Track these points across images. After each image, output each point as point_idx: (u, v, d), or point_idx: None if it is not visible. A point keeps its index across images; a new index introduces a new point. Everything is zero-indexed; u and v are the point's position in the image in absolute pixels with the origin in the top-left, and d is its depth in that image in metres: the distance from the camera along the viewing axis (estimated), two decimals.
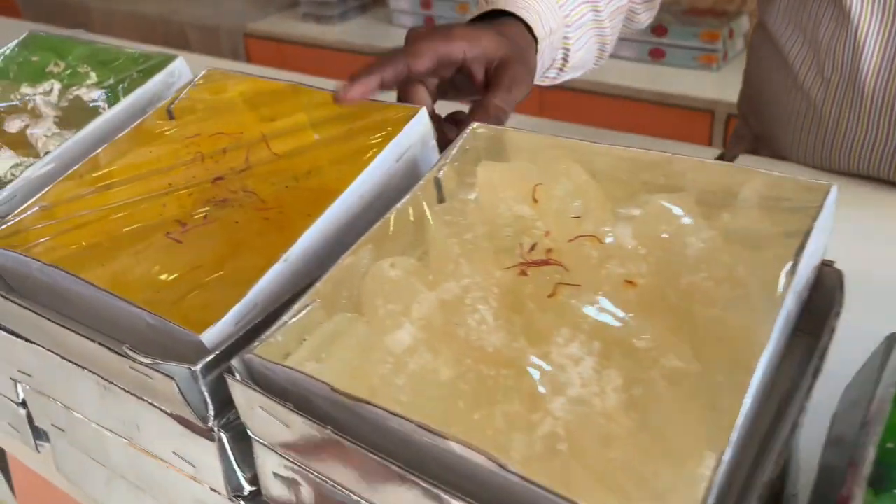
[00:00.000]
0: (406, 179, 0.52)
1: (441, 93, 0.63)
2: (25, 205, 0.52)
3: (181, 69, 0.65)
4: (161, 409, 0.43)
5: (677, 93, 2.06)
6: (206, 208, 0.50)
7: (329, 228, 0.47)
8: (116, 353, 0.40)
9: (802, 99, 0.85)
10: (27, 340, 0.48)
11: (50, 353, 0.47)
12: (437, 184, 0.48)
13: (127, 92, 0.64)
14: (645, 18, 0.88)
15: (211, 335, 0.40)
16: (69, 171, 0.54)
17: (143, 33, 3.01)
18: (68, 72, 0.69)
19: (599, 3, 0.76)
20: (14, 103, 0.67)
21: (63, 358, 0.46)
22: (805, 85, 0.84)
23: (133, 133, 0.57)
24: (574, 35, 0.75)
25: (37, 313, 0.43)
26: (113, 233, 0.50)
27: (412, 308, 0.41)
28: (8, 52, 0.73)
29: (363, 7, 2.82)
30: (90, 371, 0.45)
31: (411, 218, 0.46)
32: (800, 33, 0.84)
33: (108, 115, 0.60)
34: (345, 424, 0.35)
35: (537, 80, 0.72)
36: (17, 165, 0.58)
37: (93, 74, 0.68)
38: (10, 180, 0.57)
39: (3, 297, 0.45)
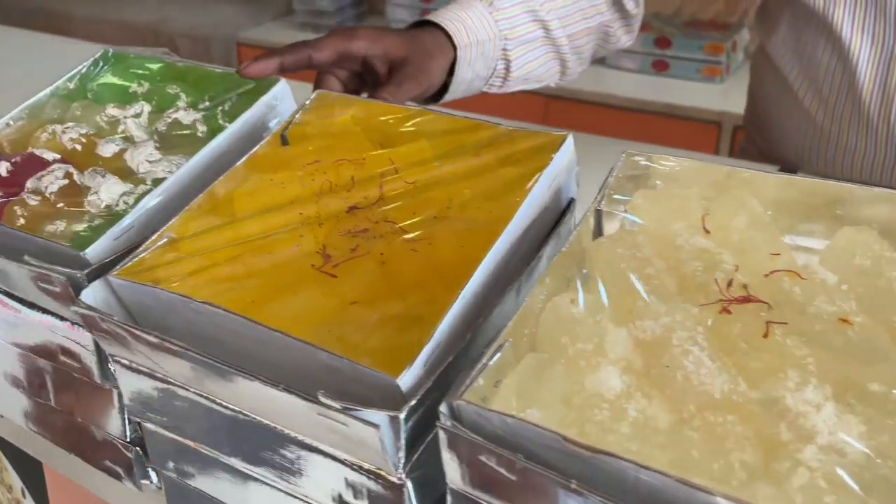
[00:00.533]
0: (552, 208, 0.50)
1: (353, 85, 0.72)
2: (152, 238, 0.49)
3: (284, 92, 0.63)
4: (334, 457, 0.41)
5: (682, 104, 2.08)
6: (349, 239, 0.48)
7: (492, 262, 0.45)
8: (307, 399, 0.38)
9: (804, 119, 0.92)
10: (171, 384, 0.46)
11: (201, 398, 0.45)
12: (598, 216, 0.47)
13: (229, 116, 0.61)
14: (625, 41, 0.94)
15: (406, 379, 0.38)
16: (192, 203, 0.52)
17: (131, 42, 2.95)
18: (156, 93, 0.66)
19: (550, 23, 0.83)
20: (101, 126, 0.64)
21: (217, 403, 0.44)
22: (805, 105, 0.91)
23: (250, 161, 0.55)
24: (518, 50, 0.81)
25: (212, 360, 0.41)
26: (253, 268, 0.48)
27: (606, 348, 0.40)
28: (84, 70, 0.70)
29: (360, 15, 2.80)
30: (248, 416, 0.43)
31: (574, 250, 0.45)
32: (798, 59, 0.91)
33: (218, 140, 0.57)
34: (575, 477, 0.33)
35: (484, 87, 0.83)
36: (127, 194, 0.55)
37: (183, 96, 0.65)
38: (124, 210, 0.54)
39: (158, 337, 0.43)
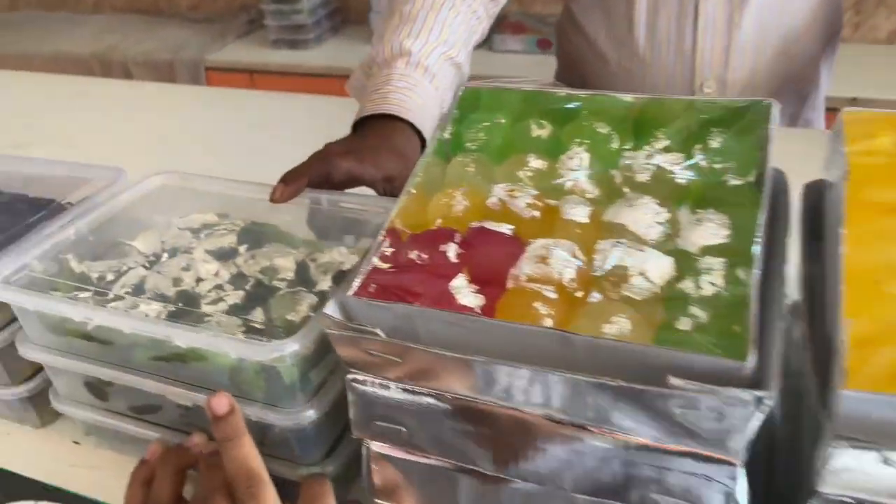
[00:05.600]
0: None
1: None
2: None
3: (776, 114, 0.50)
4: None
5: None
6: None
7: None
8: None
9: (607, 67, 1.05)
10: None
11: None
12: None
13: (721, 154, 0.49)
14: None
15: None
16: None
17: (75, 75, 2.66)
18: (578, 134, 0.53)
19: (464, 64, 0.87)
20: (524, 183, 0.50)
21: None
22: (610, 57, 1.03)
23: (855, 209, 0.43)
24: (448, 94, 0.83)
25: None
26: None
27: None
28: (456, 115, 0.55)
29: (335, 28, 2.64)
30: None
31: None
32: (603, 16, 1.02)
33: (766, 190, 0.45)
34: None
35: None
36: (703, 272, 0.42)
37: (616, 135, 0.52)
38: (709, 292, 0.41)
39: None
